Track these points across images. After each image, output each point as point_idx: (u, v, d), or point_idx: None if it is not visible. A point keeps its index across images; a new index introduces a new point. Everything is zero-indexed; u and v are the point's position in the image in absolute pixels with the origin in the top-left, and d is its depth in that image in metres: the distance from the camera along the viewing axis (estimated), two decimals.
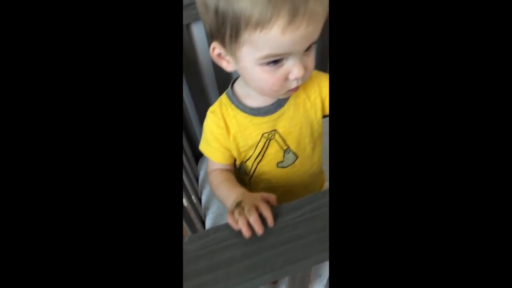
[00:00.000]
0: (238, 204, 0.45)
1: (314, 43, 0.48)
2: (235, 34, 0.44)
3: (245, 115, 0.59)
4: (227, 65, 0.53)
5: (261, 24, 0.41)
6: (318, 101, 0.61)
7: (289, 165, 0.65)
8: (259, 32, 0.42)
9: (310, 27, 0.43)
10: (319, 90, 0.60)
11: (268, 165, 0.64)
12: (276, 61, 0.46)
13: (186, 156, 0.94)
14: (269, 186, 0.67)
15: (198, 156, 1.08)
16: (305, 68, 0.48)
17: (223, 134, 0.60)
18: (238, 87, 0.61)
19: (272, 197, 0.45)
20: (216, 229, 0.42)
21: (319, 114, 0.62)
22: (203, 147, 0.64)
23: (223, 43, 0.48)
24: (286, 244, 0.39)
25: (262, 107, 0.59)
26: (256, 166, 0.65)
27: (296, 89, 0.52)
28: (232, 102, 0.59)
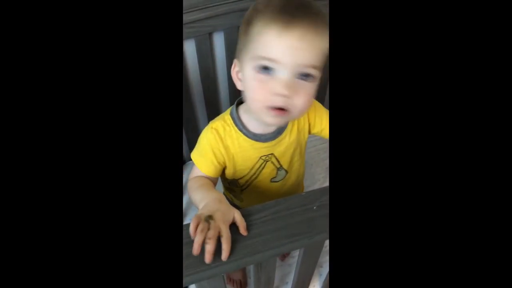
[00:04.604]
0: (208, 219, 0.45)
1: (311, 75, 0.52)
2: (245, 35, 0.53)
3: (247, 139, 0.64)
4: (240, 84, 0.59)
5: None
6: (306, 126, 0.70)
7: (281, 180, 0.72)
8: (257, 35, 0.51)
9: (298, 41, 0.49)
10: (308, 116, 0.69)
11: (263, 182, 0.71)
12: (267, 69, 0.51)
13: None
14: (261, 195, 0.74)
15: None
16: (294, 93, 0.52)
17: (221, 151, 0.63)
18: (242, 111, 0.65)
19: (243, 226, 0.45)
20: (186, 226, 0.47)
21: (307, 136, 0.71)
22: (195, 156, 0.66)
23: (239, 57, 0.56)
24: (249, 239, 0.45)
25: (264, 134, 0.64)
26: (251, 182, 0.71)
27: (280, 112, 0.53)
28: (236, 125, 0.64)
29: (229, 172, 0.68)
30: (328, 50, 0.52)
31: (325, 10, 0.50)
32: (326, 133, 0.71)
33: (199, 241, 0.42)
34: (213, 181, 0.66)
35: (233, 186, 0.75)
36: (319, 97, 1.18)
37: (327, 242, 0.96)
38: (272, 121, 0.57)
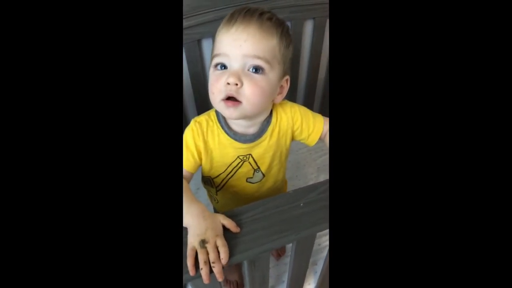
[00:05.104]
0: (203, 245, 0.46)
1: (261, 68, 0.56)
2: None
3: (227, 137, 0.65)
4: None
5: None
6: (289, 132, 0.70)
7: (257, 182, 0.74)
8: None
9: (241, 33, 0.55)
10: (292, 122, 0.70)
11: (238, 180, 0.72)
12: (223, 66, 0.57)
13: None
14: (236, 196, 0.76)
15: None
16: (243, 82, 0.55)
17: (200, 144, 0.65)
18: None
19: (233, 226, 0.48)
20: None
21: (288, 142, 0.72)
22: None
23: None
24: (240, 237, 0.47)
25: (244, 135, 0.66)
26: (227, 181, 0.72)
27: (232, 103, 0.57)
28: (219, 121, 0.66)
29: (205, 168, 0.69)
30: (280, 51, 0.58)
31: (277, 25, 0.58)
32: (314, 137, 0.71)
33: (207, 271, 0.44)
34: (189, 178, 0.66)
35: (209, 186, 0.76)
36: (308, 103, 1.21)
37: (319, 240, 0.99)
38: (228, 113, 0.59)
